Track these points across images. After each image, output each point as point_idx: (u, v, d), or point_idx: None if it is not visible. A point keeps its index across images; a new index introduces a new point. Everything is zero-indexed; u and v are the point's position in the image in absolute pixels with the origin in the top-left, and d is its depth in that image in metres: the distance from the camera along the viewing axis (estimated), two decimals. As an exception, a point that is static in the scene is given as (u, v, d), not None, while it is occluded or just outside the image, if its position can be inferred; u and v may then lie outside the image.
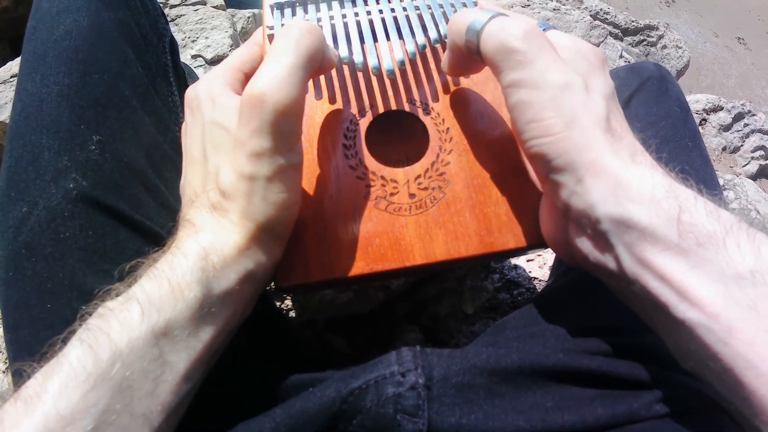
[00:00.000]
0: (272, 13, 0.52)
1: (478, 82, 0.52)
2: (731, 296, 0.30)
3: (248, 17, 1.46)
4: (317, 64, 0.41)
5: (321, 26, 0.50)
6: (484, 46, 0.40)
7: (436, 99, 0.51)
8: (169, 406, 0.35)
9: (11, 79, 1.13)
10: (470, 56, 0.43)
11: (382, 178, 0.47)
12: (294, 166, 0.40)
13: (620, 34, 2.44)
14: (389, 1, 0.53)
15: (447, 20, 0.52)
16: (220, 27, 1.32)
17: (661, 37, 2.55)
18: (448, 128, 0.49)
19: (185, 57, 1.25)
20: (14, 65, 1.17)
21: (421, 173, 0.48)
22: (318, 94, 0.50)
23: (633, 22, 2.48)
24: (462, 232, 0.46)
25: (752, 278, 0.30)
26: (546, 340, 0.49)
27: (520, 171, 0.48)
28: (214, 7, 1.36)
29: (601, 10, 2.43)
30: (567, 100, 0.37)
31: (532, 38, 0.39)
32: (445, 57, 0.48)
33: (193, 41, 1.29)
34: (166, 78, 0.62)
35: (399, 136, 0.53)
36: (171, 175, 0.54)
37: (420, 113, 0.50)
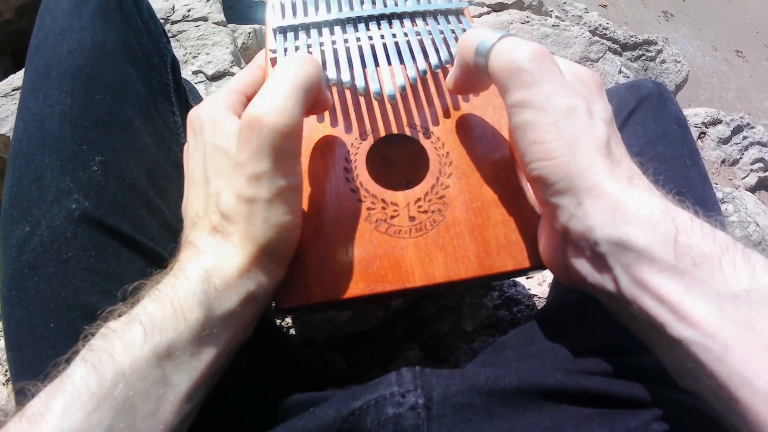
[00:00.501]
0: (275, 37, 0.53)
1: (478, 107, 0.52)
2: (727, 315, 0.31)
3: (249, 33, 1.47)
4: (314, 91, 0.42)
5: (324, 50, 0.51)
6: (493, 65, 0.41)
7: (436, 123, 0.51)
8: (171, 426, 0.35)
9: (13, 93, 1.13)
10: (477, 74, 0.44)
11: (383, 201, 0.48)
12: (294, 188, 0.41)
13: (619, 49, 2.46)
14: (391, 26, 0.54)
15: (447, 45, 0.52)
16: (221, 43, 1.32)
17: (659, 51, 2.57)
18: (447, 152, 0.50)
19: (186, 73, 1.25)
20: (16, 78, 1.17)
21: (421, 196, 0.48)
22: (320, 118, 0.51)
23: (632, 37, 2.50)
24: (461, 255, 0.46)
25: (747, 297, 0.31)
26: (545, 360, 0.49)
27: (519, 194, 0.48)
28: (215, 23, 1.37)
29: (600, 25, 2.45)
30: (570, 124, 0.38)
31: (540, 60, 0.39)
32: (450, 74, 0.48)
33: (194, 57, 1.30)
34: (168, 98, 0.63)
35: (399, 159, 0.53)
36: (173, 195, 0.55)
37: (420, 137, 0.51)
